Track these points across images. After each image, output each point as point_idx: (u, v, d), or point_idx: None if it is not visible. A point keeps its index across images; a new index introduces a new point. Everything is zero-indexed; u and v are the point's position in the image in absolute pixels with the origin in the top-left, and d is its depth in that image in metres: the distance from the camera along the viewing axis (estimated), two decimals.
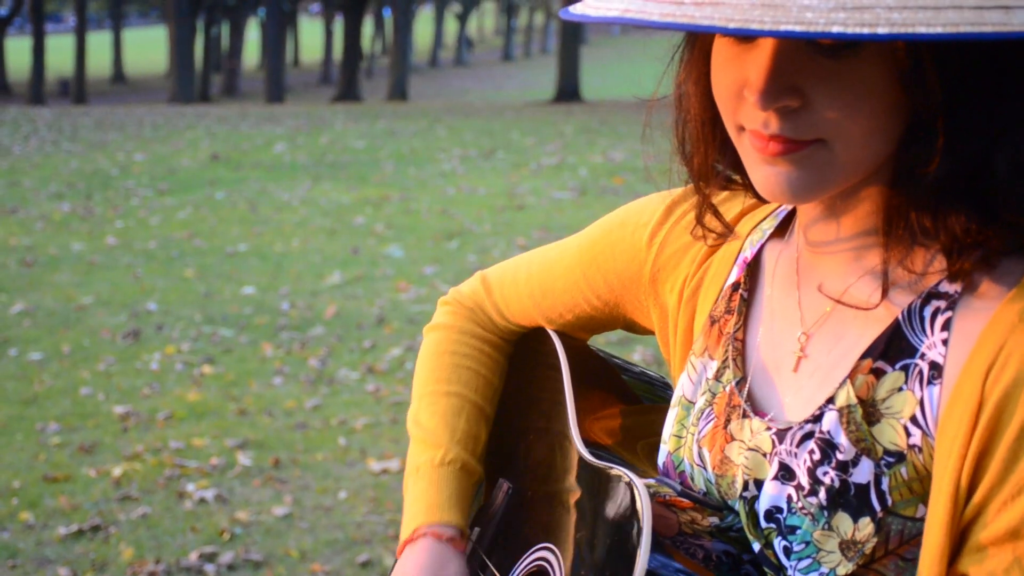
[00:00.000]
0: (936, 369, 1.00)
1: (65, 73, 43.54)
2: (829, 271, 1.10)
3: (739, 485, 1.12)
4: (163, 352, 6.42)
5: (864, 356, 1.05)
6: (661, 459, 1.24)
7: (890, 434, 1.02)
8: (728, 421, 1.15)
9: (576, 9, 0.97)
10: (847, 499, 1.04)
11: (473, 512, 1.45)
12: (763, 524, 1.10)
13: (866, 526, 1.03)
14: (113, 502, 4.37)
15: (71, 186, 12.74)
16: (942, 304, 1.02)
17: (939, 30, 0.82)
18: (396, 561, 1.36)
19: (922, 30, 0.82)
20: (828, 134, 0.97)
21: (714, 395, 1.18)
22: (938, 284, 1.03)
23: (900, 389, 1.02)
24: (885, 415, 1.03)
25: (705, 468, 1.17)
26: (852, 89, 0.95)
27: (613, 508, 1.12)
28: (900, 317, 1.04)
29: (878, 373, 1.03)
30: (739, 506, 1.12)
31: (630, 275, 1.31)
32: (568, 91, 27.25)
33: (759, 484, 1.10)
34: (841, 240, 1.08)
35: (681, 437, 1.21)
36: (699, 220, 1.20)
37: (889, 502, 1.02)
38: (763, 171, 1.00)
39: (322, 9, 50.01)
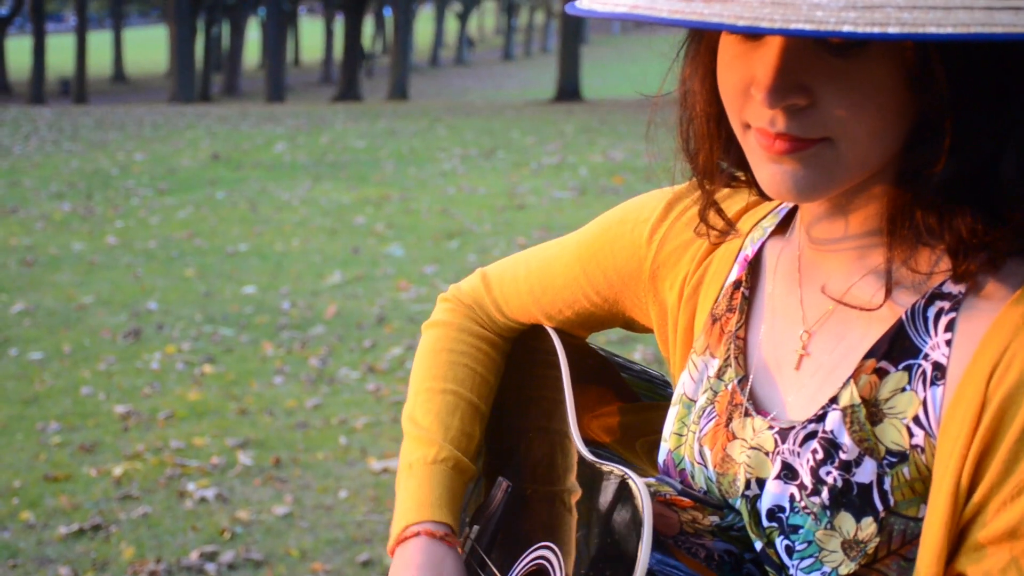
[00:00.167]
0: (939, 370, 1.00)
1: (66, 73, 43.55)
2: (832, 270, 1.10)
3: (741, 483, 1.12)
4: (164, 352, 6.42)
5: (867, 356, 1.04)
6: (661, 457, 1.24)
7: (893, 434, 1.02)
8: (730, 419, 1.15)
9: (583, 4, 0.97)
10: (850, 499, 1.04)
11: (472, 510, 1.45)
12: (765, 523, 1.10)
13: (868, 526, 1.03)
14: (114, 501, 4.37)
15: (71, 186, 12.75)
16: (946, 305, 1.02)
17: (949, 30, 0.82)
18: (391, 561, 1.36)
19: (932, 30, 0.82)
20: (835, 133, 0.97)
21: (716, 393, 1.18)
22: (942, 284, 1.03)
23: (903, 389, 1.02)
24: (888, 415, 1.03)
25: (706, 466, 1.17)
26: (860, 88, 0.95)
27: (614, 507, 1.12)
28: (904, 317, 1.03)
29: (881, 373, 1.03)
30: (741, 505, 1.12)
31: (630, 271, 1.31)
32: (568, 90, 27.24)
33: (761, 483, 1.10)
34: (844, 239, 1.08)
35: (682, 435, 1.21)
36: (702, 217, 1.20)
37: (891, 502, 1.02)
38: (769, 169, 1.00)
39: (322, 8, 50.03)
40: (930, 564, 0.99)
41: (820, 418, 1.06)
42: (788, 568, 1.08)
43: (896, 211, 1.02)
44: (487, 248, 9.00)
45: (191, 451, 4.91)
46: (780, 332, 1.15)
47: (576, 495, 1.22)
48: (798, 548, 1.07)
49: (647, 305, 1.32)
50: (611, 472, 1.16)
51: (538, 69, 52.30)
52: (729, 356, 1.18)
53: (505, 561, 1.33)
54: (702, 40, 1.09)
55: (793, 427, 1.08)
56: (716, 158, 1.12)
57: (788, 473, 1.08)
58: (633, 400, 1.44)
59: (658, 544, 1.07)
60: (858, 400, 1.04)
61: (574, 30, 28.03)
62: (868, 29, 0.81)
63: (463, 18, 57.39)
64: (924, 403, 1.01)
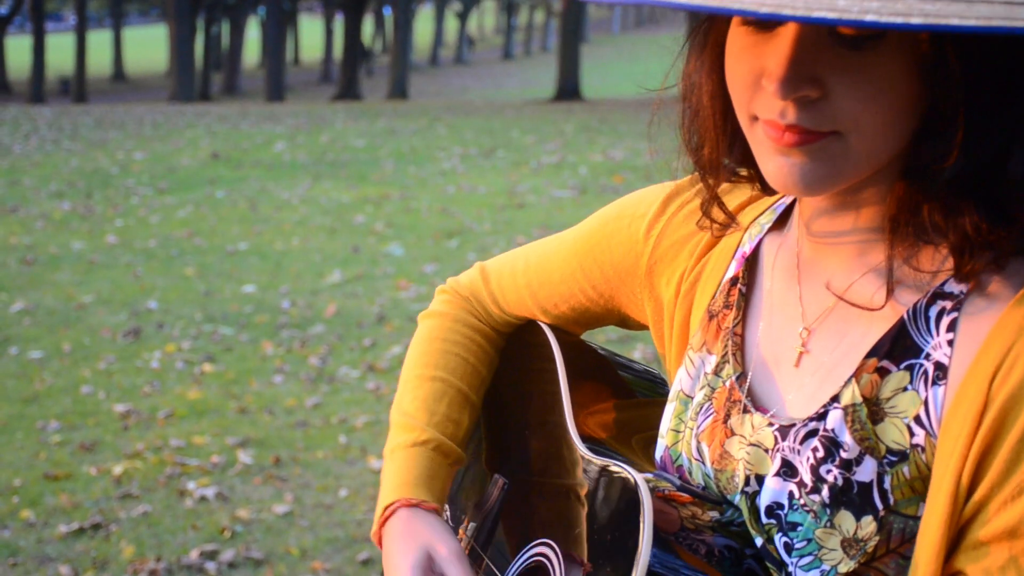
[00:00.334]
0: (941, 370, 1.00)
1: (65, 72, 43.53)
2: (832, 266, 1.10)
3: (740, 480, 1.12)
4: (163, 350, 6.42)
5: (869, 355, 1.04)
6: (658, 453, 1.24)
7: (894, 433, 1.02)
8: (728, 416, 1.15)
9: None
10: (850, 497, 1.04)
11: (468, 507, 1.45)
12: (764, 520, 1.10)
13: (868, 524, 1.03)
14: (114, 500, 4.38)
15: (71, 185, 12.75)
16: (948, 304, 1.02)
17: (972, 23, 0.81)
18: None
19: (955, 22, 0.81)
20: (845, 126, 0.97)
21: (713, 390, 1.18)
22: (944, 284, 1.03)
23: (905, 389, 1.02)
24: (889, 414, 1.03)
25: (704, 463, 1.17)
26: (872, 81, 0.95)
27: (613, 503, 1.12)
28: (905, 316, 1.03)
29: (883, 372, 1.03)
30: (740, 501, 1.12)
31: (626, 267, 1.31)
32: (568, 89, 27.23)
33: (760, 479, 1.10)
34: (845, 234, 1.08)
35: (679, 431, 1.21)
36: (704, 211, 1.20)
37: (891, 501, 1.03)
38: (776, 162, 1.00)
39: (322, 8, 50.01)
40: (928, 562, 0.99)
41: (821, 416, 1.06)
42: (788, 565, 1.08)
43: (901, 207, 1.02)
44: (487, 247, 9.00)
45: (191, 450, 4.91)
46: (779, 329, 1.14)
47: (574, 492, 1.22)
48: (797, 546, 1.07)
49: (643, 301, 1.32)
50: (609, 468, 1.16)
51: (538, 68, 52.29)
52: (727, 352, 1.18)
53: (503, 558, 1.33)
54: (709, 32, 1.09)
55: (793, 424, 1.08)
56: (720, 152, 1.12)
57: (787, 470, 1.08)
58: (628, 396, 1.44)
59: (658, 540, 1.07)
60: (860, 399, 1.04)
61: (574, 29, 28.02)
62: (891, 19, 0.81)
63: (463, 17, 57.37)
64: (925, 403, 1.01)
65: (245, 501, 4.38)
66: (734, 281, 1.20)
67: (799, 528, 1.07)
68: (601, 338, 6.25)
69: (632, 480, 1.10)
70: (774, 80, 0.96)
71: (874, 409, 1.03)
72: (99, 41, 64.97)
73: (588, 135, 16.95)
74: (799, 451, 1.07)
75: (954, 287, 1.02)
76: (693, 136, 1.14)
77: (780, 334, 1.14)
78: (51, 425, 5.21)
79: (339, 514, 4.25)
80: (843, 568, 1.05)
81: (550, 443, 1.33)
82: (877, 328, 1.05)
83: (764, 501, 1.10)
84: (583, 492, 1.20)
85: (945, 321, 1.01)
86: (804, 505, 1.06)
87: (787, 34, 0.96)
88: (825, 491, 1.04)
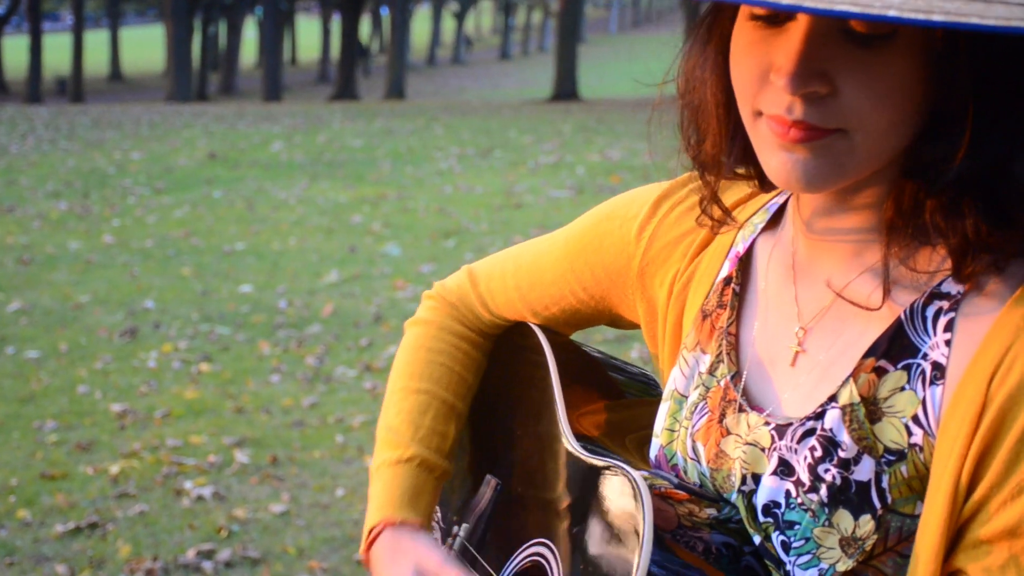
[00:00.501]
0: (939, 370, 1.01)
1: (62, 72, 43.48)
2: (829, 266, 1.10)
3: (736, 479, 1.12)
4: (160, 350, 6.42)
5: (867, 355, 1.05)
6: (653, 452, 1.24)
7: (891, 433, 1.02)
8: (723, 415, 1.15)
9: None
10: (848, 496, 1.04)
11: (459, 508, 1.45)
12: (761, 518, 1.10)
13: (867, 523, 1.03)
14: (110, 500, 4.37)
15: (68, 185, 12.74)
16: (945, 304, 1.02)
17: (991, 22, 0.82)
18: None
19: (976, 20, 0.82)
20: (851, 124, 0.97)
21: (708, 389, 1.18)
22: (941, 284, 1.03)
23: (902, 389, 1.02)
24: (887, 414, 1.03)
25: (699, 462, 1.17)
26: (882, 80, 0.95)
27: (612, 503, 1.12)
28: (903, 316, 1.04)
29: (880, 372, 1.04)
30: (737, 500, 1.12)
31: (618, 268, 1.31)
32: (566, 90, 27.23)
33: (756, 478, 1.10)
34: (844, 232, 1.08)
35: (674, 431, 1.21)
36: (703, 209, 1.20)
37: (889, 500, 1.03)
38: (779, 157, 1.00)
39: (319, 8, 49.97)
40: (928, 561, 0.99)
41: (819, 416, 1.06)
42: (786, 564, 1.08)
43: (901, 206, 1.02)
44: (484, 247, 9.00)
45: (188, 449, 4.91)
46: (774, 328, 1.14)
47: (571, 491, 1.22)
48: (795, 544, 1.07)
49: (635, 302, 1.32)
50: (606, 467, 1.16)
51: (535, 68, 52.28)
52: (721, 352, 1.18)
53: (498, 559, 1.32)
54: (713, 27, 1.09)
55: (790, 424, 1.08)
56: (722, 148, 1.12)
57: (784, 469, 1.08)
58: (618, 397, 1.44)
59: (655, 538, 1.07)
60: (857, 399, 1.04)
61: (571, 29, 28.01)
62: (912, 15, 0.81)
63: (460, 17, 57.36)
64: (923, 402, 1.01)
65: (242, 500, 4.38)
66: (728, 281, 1.20)
67: (796, 527, 1.07)
68: (598, 337, 6.26)
69: (631, 478, 1.10)
70: (783, 75, 0.96)
71: (872, 409, 1.04)
72: (96, 41, 64.94)
73: (585, 135, 16.95)
74: (796, 450, 1.07)
75: (951, 287, 1.02)
76: (694, 133, 1.14)
77: (775, 333, 1.14)
78: (48, 425, 5.21)
79: (336, 513, 4.25)
80: (841, 567, 1.05)
81: (544, 443, 1.32)
82: (874, 328, 1.05)
83: (761, 500, 1.10)
84: (580, 491, 1.20)
85: (942, 321, 1.01)
86: (802, 504, 1.06)
87: (798, 29, 0.96)
88: (823, 490, 1.05)
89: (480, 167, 13.90)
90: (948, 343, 1.01)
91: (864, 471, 1.03)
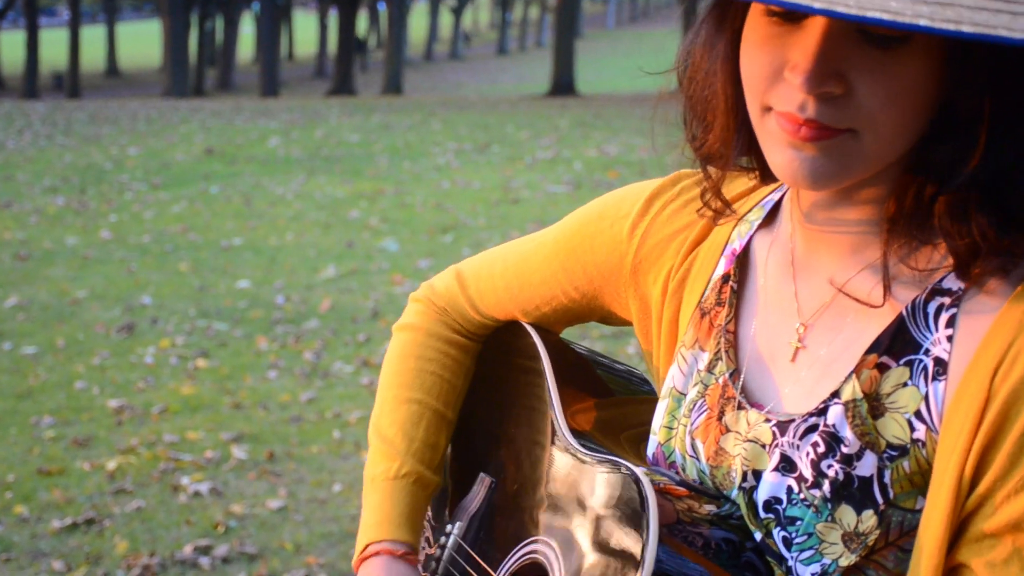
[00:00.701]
0: (941, 365, 1.01)
1: (59, 67, 43.44)
2: (828, 262, 1.10)
3: (737, 476, 1.12)
4: (157, 346, 6.41)
5: (869, 351, 1.05)
6: (651, 450, 1.24)
7: (894, 428, 1.03)
8: (722, 413, 1.15)
9: None
10: (851, 492, 1.04)
11: (451, 508, 1.45)
12: (762, 514, 1.10)
13: (869, 518, 1.04)
14: (107, 495, 4.37)
15: (65, 180, 12.73)
16: (946, 301, 1.02)
17: (1019, 35, 0.83)
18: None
19: (1003, 33, 0.83)
20: (862, 124, 0.97)
21: (706, 387, 1.18)
22: (942, 280, 1.03)
23: (905, 384, 1.03)
24: (889, 409, 1.03)
25: (698, 459, 1.17)
26: (896, 81, 0.96)
27: (614, 499, 1.12)
28: (904, 312, 1.04)
29: (882, 368, 1.04)
30: (738, 496, 1.12)
31: (610, 267, 1.31)
32: (563, 85, 27.21)
33: (757, 475, 1.10)
34: (844, 225, 1.08)
35: (672, 428, 1.21)
36: (705, 201, 1.20)
37: (891, 495, 1.03)
38: (787, 154, 1.00)
39: (316, 3, 49.92)
40: (931, 555, 0.99)
41: (821, 412, 1.06)
42: (787, 559, 1.08)
43: (905, 204, 1.03)
44: (481, 242, 9.00)
45: (185, 445, 4.90)
46: (773, 325, 1.14)
47: (571, 488, 1.21)
48: (796, 540, 1.07)
49: (627, 299, 1.31)
50: (607, 463, 1.16)
51: (532, 63, 52.25)
52: (719, 350, 1.18)
53: (494, 557, 1.32)
54: (724, 19, 1.08)
55: (792, 420, 1.08)
56: (728, 141, 1.11)
57: (786, 465, 1.08)
58: (610, 395, 1.44)
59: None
60: (860, 394, 1.04)
61: (568, 24, 28.00)
62: (943, 25, 0.82)
63: (457, 12, 57.32)
64: (926, 398, 1.01)
65: (239, 496, 4.38)
66: (726, 278, 1.20)
67: (798, 522, 1.07)
68: (595, 334, 6.26)
69: (633, 474, 1.10)
70: (800, 73, 0.96)
71: (874, 404, 1.04)
72: (93, 36, 64.86)
73: (583, 130, 16.95)
74: (799, 446, 1.07)
75: (952, 283, 1.02)
76: (699, 125, 1.13)
77: (775, 330, 1.14)
78: (45, 420, 5.20)
79: (333, 509, 4.25)
80: (844, 561, 1.05)
81: (540, 441, 1.32)
82: (876, 324, 1.06)
83: (762, 496, 1.10)
84: (580, 488, 1.19)
85: (944, 317, 1.02)
86: (804, 499, 1.06)
87: (815, 28, 0.96)
88: (826, 486, 1.05)
89: (477, 162, 13.90)
90: (950, 339, 1.01)
91: (866, 466, 1.03)
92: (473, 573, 1.35)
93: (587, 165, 13.25)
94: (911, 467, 1.02)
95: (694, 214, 1.24)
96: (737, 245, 1.21)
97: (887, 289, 1.04)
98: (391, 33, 32.82)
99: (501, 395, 1.44)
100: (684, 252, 1.25)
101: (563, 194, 11.29)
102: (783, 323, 1.13)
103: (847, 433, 1.04)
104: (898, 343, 1.04)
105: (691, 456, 1.18)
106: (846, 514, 1.04)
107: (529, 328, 1.41)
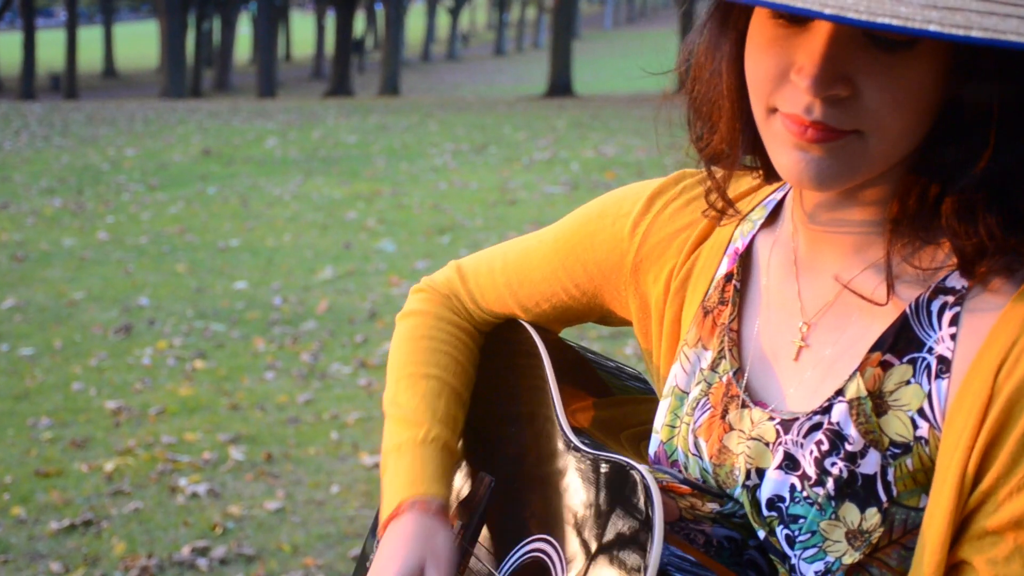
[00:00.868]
0: (944, 364, 1.01)
1: (56, 68, 43.42)
2: (831, 261, 1.10)
3: (740, 474, 1.12)
4: (155, 347, 6.41)
5: (873, 349, 1.05)
6: (652, 448, 1.24)
7: (897, 426, 1.03)
8: (726, 411, 1.15)
9: None
10: (855, 490, 1.04)
11: (452, 505, 1.44)
12: (765, 512, 1.10)
13: (873, 516, 1.04)
14: (105, 497, 4.37)
15: (62, 181, 12.72)
16: (950, 299, 1.02)
17: None
18: (378, 542, 1.32)
19: (1013, 38, 0.83)
20: (868, 126, 0.97)
21: (710, 385, 1.18)
22: (945, 279, 1.03)
23: (908, 382, 1.03)
24: (893, 407, 1.03)
25: (701, 457, 1.17)
26: (902, 84, 0.96)
27: (618, 497, 1.11)
28: (908, 311, 1.04)
29: (886, 366, 1.04)
30: (741, 494, 1.12)
31: (610, 265, 1.31)
32: (560, 86, 27.22)
33: (761, 473, 1.10)
34: (846, 225, 1.08)
35: (674, 427, 1.21)
36: (710, 202, 1.20)
37: (894, 492, 1.03)
38: (792, 155, 1.00)
39: (313, 4, 49.90)
40: (933, 552, 0.99)
41: (825, 410, 1.06)
42: (790, 558, 1.09)
43: (908, 205, 1.03)
44: (479, 243, 9.00)
45: (182, 446, 4.90)
46: (777, 324, 1.15)
47: (572, 486, 1.21)
48: (800, 538, 1.07)
49: (627, 298, 1.31)
50: (609, 461, 1.16)
51: (530, 64, 52.27)
52: (723, 348, 1.18)
53: (495, 556, 1.32)
54: (728, 20, 1.08)
55: (796, 418, 1.09)
56: (732, 142, 1.11)
57: (790, 463, 1.08)
58: (609, 393, 1.43)
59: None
60: (864, 393, 1.04)
61: (566, 25, 28.01)
62: (952, 31, 0.82)
63: (454, 13, 57.33)
64: (929, 396, 1.02)
65: (237, 497, 4.37)
66: (728, 277, 1.20)
67: (801, 520, 1.07)
68: (593, 334, 6.26)
69: (638, 472, 1.10)
70: (807, 76, 0.96)
71: (878, 402, 1.04)
72: (90, 37, 64.84)
73: (580, 131, 16.95)
74: (802, 444, 1.07)
75: (956, 282, 1.03)
76: (704, 125, 1.13)
77: (778, 329, 1.14)
78: (42, 422, 5.20)
79: (331, 510, 4.25)
80: (848, 559, 1.05)
81: (541, 439, 1.32)
82: (879, 322, 1.06)
83: (765, 494, 1.10)
84: (582, 486, 1.19)
85: (947, 316, 1.02)
86: (808, 497, 1.06)
87: (822, 31, 0.96)
88: (830, 483, 1.05)
89: (475, 163, 13.90)
90: (953, 337, 1.01)
91: (870, 464, 1.04)
92: (474, 572, 1.34)
93: (584, 166, 13.25)
94: (914, 464, 1.03)
95: (696, 213, 1.25)
96: (740, 244, 1.21)
97: (890, 288, 1.04)
98: (388, 34, 32.82)
99: (501, 393, 1.44)
100: (687, 251, 1.25)
101: (560, 195, 11.29)
102: (786, 322, 1.14)
103: (851, 431, 1.04)
104: (901, 341, 1.04)
105: (694, 454, 1.18)
106: (850, 512, 1.05)
107: (528, 327, 1.41)
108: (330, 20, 45.59)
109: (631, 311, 1.32)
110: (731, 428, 1.14)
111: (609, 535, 1.11)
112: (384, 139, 16.49)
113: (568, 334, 1.51)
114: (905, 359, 1.03)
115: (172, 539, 4.01)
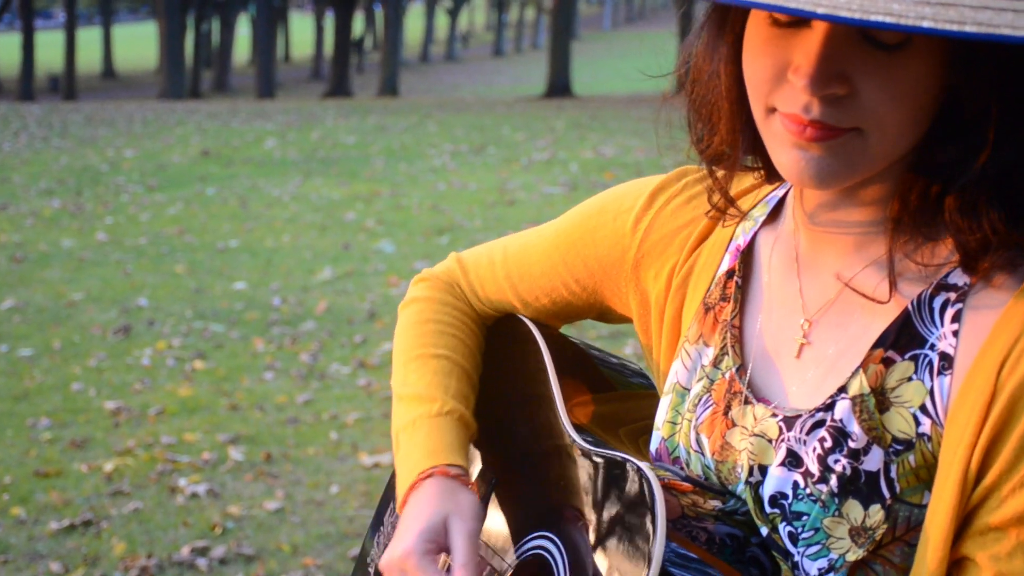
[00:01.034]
0: (947, 360, 1.01)
1: (55, 69, 43.40)
2: (833, 258, 1.10)
3: (743, 470, 1.12)
4: (154, 348, 6.41)
5: (875, 346, 1.05)
6: (654, 445, 1.24)
7: (899, 422, 1.03)
8: (728, 408, 1.15)
9: None
10: (858, 486, 1.04)
11: None
12: (768, 509, 1.10)
13: (876, 513, 1.04)
14: (105, 497, 4.37)
15: (61, 182, 12.72)
16: (952, 296, 1.02)
17: (1022, 33, 0.83)
18: (398, 516, 1.27)
19: (1007, 32, 0.83)
20: (866, 124, 0.98)
21: (712, 382, 1.18)
22: (948, 275, 1.03)
23: (910, 379, 1.03)
24: (895, 404, 1.03)
25: (703, 454, 1.17)
26: (900, 81, 0.96)
27: (619, 494, 1.11)
28: (910, 307, 1.04)
29: (888, 363, 1.04)
30: (744, 491, 1.12)
31: (611, 261, 1.31)
32: (559, 86, 27.22)
33: (763, 469, 1.10)
34: (848, 225, 1.08)
35: (676, 423, 1.21)
36: (712, 203, 1.20)
37: (897, 489, 1.03)
38: (792, 155, 1.00)
39: (312, 4, 49.87)
40: (936, 548, 0.99)
41: (828, 407, 1.07)
42: (793, 555, 1.09)
43: (909, 202, 1.03)
44: (477, 244, 8.91)
45: (182, 447, 4.90)
46: (779, 321, 1.15)
47: (574, 483, 1.21)
48: (803, 535, 1.07)
49: (628, 295, 1.31)
50: (611, 458, 1.16)
51: (528, 65, 52.26)
52: (725, 345, 1.18)
53: (496, 553, 1.32)
54: (725, 22, 1.09)
55: (799, 415, 1.09)
56: (733, 142, 1.12)
57: (793, 461, 1.08)
58: (609, 389, 1.43)
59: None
60: (867, 389, 1.04)
61: (565, 26, 28.02)
62: (946, 26, 0.82)
63: (453, 14, 57.32)
64: (931, 392, 1.02)
65: (236, 498, 4.38)
66: (730, 274, 1.20)
67: (804, 517, 1.07)
68: (592, 334, 6.26)
69: (639, 470, 1.10)
70: (804, 76, 0.97)
71: (880, 399, 1.04)
72: (89, 38, 64.81)
73: (579, 132, 16.95)
74: (805, 441, 1.07)
75: (958, 279, 1.03)
76: (704, 127, 1.13)
77: (780, 326, 1.14)
78: (42, 422, 5.20)
79: (330, 510, 4.25)
80: (851, 556, 1.05)
81: (542, 436, 1.32)
82: (881, 319, 1.06)
83: (768, 491, 1.10)
84: (584, 483, 1.19)
85: (950, 312, 1.02)
86: (811, 494, 1.06)
87: (817, 30, 0.97)
88: (833, 480, 1.05)
89: (473, 164, 13.90)
90: (956, 334, 1.01)
91: (873, 461, 1.04)
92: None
93: (583, 167, 13.25)
94: (917, 461, 1.03)
95: (698, 210, 1.25)
96: (742, 241, 1.21)
97: (893, 285, 1.05)
98: (387, 35, 32.82)
99: (500, 389, 1.43)
100: (688, 248, 1.25)
101: (559, 195, 11.29)
102: (788, 319, 1.14)
103: (854, 428, 1.04)
104: (904, 338, 1.04)
105: (696, 451, 1.18)
106: (853, 509, 1.05)
107: (528, 322, 1.41)
108: (329, 21, 45.58)
109: (631, 307, 1.32)
110: (734, 424, 1.14)
111: (611, 533, 1.11)
112: (383, 140, 16.49)
113: (567, 333, 1.51)
114: (907, 356, 1.03)
115: (172, 539, 4.01)
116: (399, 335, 1.44)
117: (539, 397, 1.34)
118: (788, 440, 1.09)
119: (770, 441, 1.10)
